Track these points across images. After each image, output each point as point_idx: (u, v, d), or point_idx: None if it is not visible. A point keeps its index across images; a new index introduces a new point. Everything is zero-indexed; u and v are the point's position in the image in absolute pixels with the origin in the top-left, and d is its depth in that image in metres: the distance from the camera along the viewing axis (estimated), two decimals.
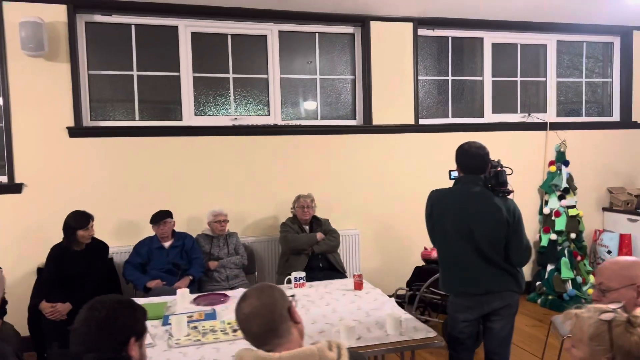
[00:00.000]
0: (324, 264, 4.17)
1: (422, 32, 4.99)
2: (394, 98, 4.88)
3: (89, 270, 3.59)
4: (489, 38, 5.24)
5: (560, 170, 5.22)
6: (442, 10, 4.81)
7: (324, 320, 2.74)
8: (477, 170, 2.60)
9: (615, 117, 5.69)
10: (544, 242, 5.18)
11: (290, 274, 3.97)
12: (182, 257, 3.90)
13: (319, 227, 4.29)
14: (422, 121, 5.03)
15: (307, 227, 4.28)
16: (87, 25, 4.24)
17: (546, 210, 5.25)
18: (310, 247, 4.13)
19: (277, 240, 4.46)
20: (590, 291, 4.89)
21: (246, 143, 4.55)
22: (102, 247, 3.74)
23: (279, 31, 4.67)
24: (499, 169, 2.61)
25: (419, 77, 5.03)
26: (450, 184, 2.78)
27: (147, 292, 3.64)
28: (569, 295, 4.88)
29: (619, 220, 5.38)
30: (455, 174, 3.13)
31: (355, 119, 4.93)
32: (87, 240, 3.60)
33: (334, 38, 4.86)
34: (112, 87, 4.36)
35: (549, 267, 5.11)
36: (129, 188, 4.29)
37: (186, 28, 4.44)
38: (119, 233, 4.23)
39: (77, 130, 4.14)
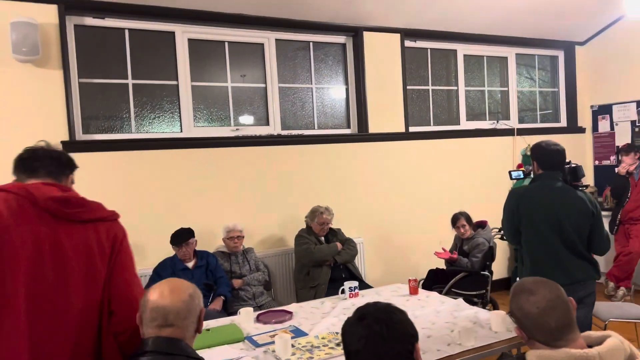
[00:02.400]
0: (345, 274, 4.10)
1: (407, 43, 5.16)
2: (386, 107, 4.98)
3: None
4: (462, 50, 5.56)
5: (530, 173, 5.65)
6: (423, 23, 5.04)
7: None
8: (558, 166, 2.75)
9: (563, 122, 6.31)
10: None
11: (315, 287, 3.90)
12: (207, 277, 3.62)
13: (334, 237, 4.22)
14: (410, 129, 5.18)
15: (322, 239, 4.19)
16: (77, 29, 3.82)
17: None
18: (333, 257, 4.04)
19: (289, 253, 4.32)
20: None
21: (247, 154, 4.36)
22: None
23: (276, 39, 4.57)
24: (574, 165, 2.78)
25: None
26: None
27: None
28: None
29: None
30: (516, 173, 3.29)
31: (349, 127, 4.95)
32: None
33: (327, 48, 4.85)
34: (104, 96, 3.95)
35: None
36: (130, 207, 3.90)
37: (183, 34, 4.17)
38: None
39: (72, 144, 3.69)
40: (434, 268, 4.44)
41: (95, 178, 3.79)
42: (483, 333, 2.51)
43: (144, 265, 3.77)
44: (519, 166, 5.74)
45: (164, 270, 3.55)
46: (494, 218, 4.99)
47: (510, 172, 3.22)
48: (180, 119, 4.19)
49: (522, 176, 3.24)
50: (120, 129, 4.00)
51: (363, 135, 4.85)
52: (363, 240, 4.75)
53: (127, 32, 4.00)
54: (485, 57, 5.76)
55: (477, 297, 4.11)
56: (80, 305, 1.51)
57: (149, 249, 3.88)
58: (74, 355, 1.49)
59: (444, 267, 4.41)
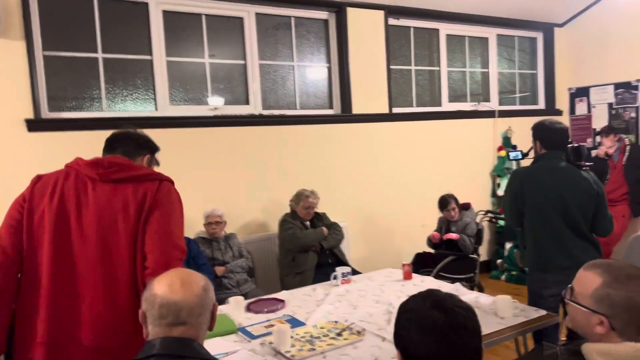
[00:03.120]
0: (332, 260, 3.95)
1: (390, 21, 4.99)
2: (370, 87, 4.81)
3: None
4: (444, 29, 5.43)
5: (509, 154, 5.61)
6: (406, 0, 4.88)
7: None
8: (561, 145, 2.66)
9: (541, 105, 6.30)
10: (501, 222, 5.53)
11: (301, 273, 3.75)
12: (188, 265, 3.40)
13: (320, 222, 4.06)
14: (394, 110, 5.04)
15: (307, 223, 4.02)
16: None
17: (500, 192, 5.61)
18: (319, 243, 3.89)
19: (272, 238, 4.14)
20: None
21: (227, 135, 4.13)
22: None
23: (256, 13, 4.32)
24: (576, 144, 2.69)
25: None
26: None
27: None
28: None
29: None
30: (514, 154, 3.18)
31: (332, 108, 4.77)
32: None
33: (309, 24, 4.63)
34: (72, 71, 3.64)
35: (508, 245, 5.47)
36: None
37: (157, 5, 3.88)
38: None
39: (38, 123, 3.39)
40: (421, 252, 4.35)
41: (62, 159, 3.47)
42: (489, 319, 2.41)
43: None
44: (500, 148, 5.70)
45: None
46: (476, 200, 4.95)
47: (508, 153, 3.13)
48: (154, 96, 3.92)
49: (520, 157, 3.15)
50: (90, 107, 3.71)
51: (347, 116, 4.69)
52: (347, 224, 4.61)
53: (95, 1, 3.68)
54: (467, 38, 5.65)
55: (465, 281, 4.04)
56: (103, 261, 1.67)
57: None
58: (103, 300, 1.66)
59: (431, 251, 4.33)
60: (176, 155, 3.88)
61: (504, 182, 5.62)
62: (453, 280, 3.95)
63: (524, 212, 2.71)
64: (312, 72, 4.67)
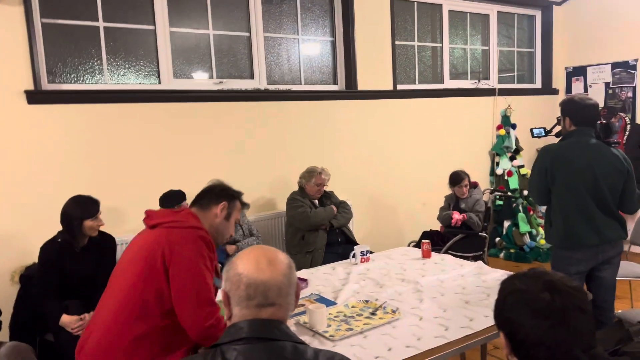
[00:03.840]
0: (341, 238, 3.89)
1: None
2: (375, 62, 4.71)
3: (97, 268, 2.82)
4: (447, 5, 5.34)
5: (509, 133, 5.62)
6: None
7: (450, 293, 2.54)
8: (592, 121, 2.63)
9: (538, 84, 6.30)
10: (500, 201, 5.55)
11: (311, 252, 3.68)
12: None
13: (328, 200, 3.98)
14: (398, 87, 4.95)
15: (316, 201, 3.94)
16: None
17: (499, 171, 5.62)
18: (329, 221, 3.81)
19: (279, 217, 4.06)
20: (543, 241, 5.40)
21: (232, 110, 3.99)
22: (109, 240, 2.98)
23: None
24: (605, 121, 2.66)
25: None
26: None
27: None
28: (529, 246, 5.32)
29: None
30: (537, 130, 3.14)
31: (336, 84, 4.66)
32: (94, 233, 2.82)
33: None
34: (72, 40, 3.44)
35: (506, 224, 5.51)
36: (103, 165, 3.47)
37: None
38: None
39: (37, 95, 3.20)
40: (428, 230, 4.32)
41: (62, 133, 3.33)
42: None
43: (125, 231, 3.40)
44: (499, 127, 5.69)
45: None
46: (475, 179, 4.91)
47: (531, 130, 3.08)
48: (158, 68, 3.74)
49: (543, 133, 3.11)
50: (91, 79, 3.52)
51: (351, 92, 4.58)
52: (352, 202, 4.54)
53: None
54: (468, 14, 5.58)
55: (474, 259, 4.03)
56: (130, 286, 1.85)
57: (129, 212, 3.49)
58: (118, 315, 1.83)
59: (438, 229, 4.30)
60: (180, 130, 3.75)
61: (503, 161, 5.63)
62: (462, 259, 3.95)
63: (552, 189, 2.68)
64: (316, 47, 4.54)
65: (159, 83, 3.75)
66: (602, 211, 2.60)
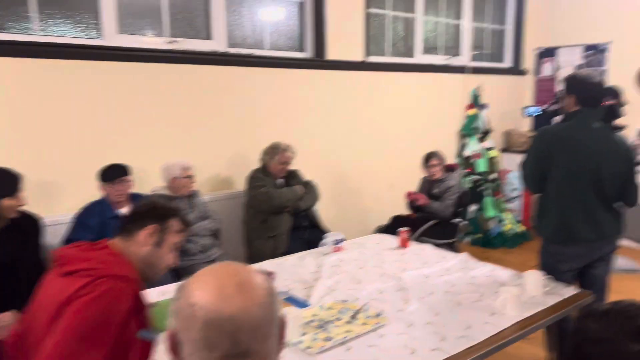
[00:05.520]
0: (306, 222, 3.54)
1: None
2: (345, 30, 4.31)
3: (18, 255, 2.35)
4: None
5: (479, 113, 5.38)
6: None
7: (439, 292, 2.24)
8: (597, 102, 2.35)
9: (508, 63, 6.08)
10: (468, 184, 5.33)
11: (274, 237, 3.31)
12: None
13: (293, 180, 3.60)
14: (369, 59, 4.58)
15: (280, 181, 3.54)
16: None
17: (467, 153, 5.39)
18: (295, 203, 3.44)
19: (236, 197, 3.65)
20: (508, 227, 5.25)
21: (186, 73, 3.50)
22: (33, 222, 2.49)
23: None
24: (612, 102, 2.40)
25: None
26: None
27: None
28: (495, 232, 5.15)
29: (517, 160, 5.83)
30: (533, 109, 2.86)
31: (304, 51, 4.23)
32: (12, 214, 2.33)
33: None
34: None
35: (473, 208, 5.31)
36: (33, 134, 2.94)
37: None
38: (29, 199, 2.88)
39: None
40: (399, 214, 4.03)
41: None
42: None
43: (58, 211, 2.91)
44: (469, 107, 5.44)
45: (90, 217, 2.73)
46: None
47: (526, 108, 2.79)
48: (100, 21, 3.20)
49: (540, 112, 2.82)
50: (17, 28, 2.94)
51: (320, 61, 4.17)
52: (317, 182, 4.17)
53: None
54: None
55: (445, 247, 3.78)
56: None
57: (63, 188, 2.99)
58: None
59: (410, 213, 4.02)
60: (125, 95, 3.25)
61: (472, 142, 5.40)
62: (435, 246, 3.69)
63: (548, 175, 2.41)
64: (283, 7, 4.08)
65: (101, 38, 3.21)
66: (602, 204, 2.36)
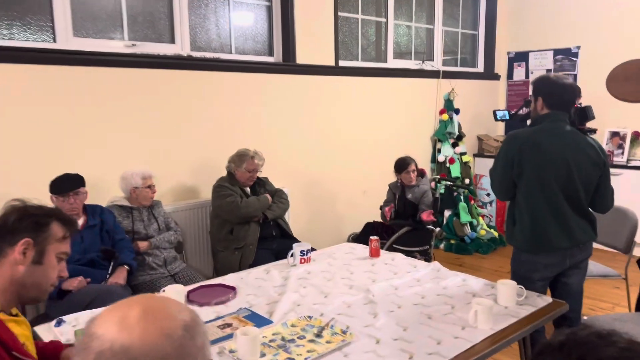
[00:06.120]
0: (276, 232, 3.41)
1: None
2: (315, 34, 4.21)
3: None
4: None
5: (452, 118, 5.34)
6: None
7: (408, 305, 2.13)
8: (569, 105, 2.28)
9: (480, 68, 6.07)
10: (442, 190, 5.27)
11: (241, 248, 3.19)
12: (102, 241, 2.69)
13: (262, 189, 3.47)
14: (340, 63, 4.49)
15: (247, 190, 3.41)
16: None
17: (440, 158, 5.34)
18: (263, 212, 3.31)
19: (202, 207, 3.50)
20: (483, 232, 5.20)
21: (147, 78, 3.35)
22: None
23: None
24: (582, 105, 2.33)
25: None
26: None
27: (63, 298, 2.39)
28: (470, 237, 5.10)
29: (489, 165, 5.80)
30: (501, 113, 2.78)
31: (272, 55, 4.11)
32: None
33: None
34: None
35: (447, 213, 5.25)
36: None
37: None
38: None
39: None
40: (371, 221, 3.93)
41: None
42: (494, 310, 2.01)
43: None
44: (442, 111, 5.39)
45: None
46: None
47: (495, 112, 2.72)
48: (53, 23, 3.03)
49: (507, 117, 2.76)
50: None
51: (289, 65, 4.06)
52: (289, 190, 4.05)
53: None
54: None
55: (420, 253, 3.70)
56: None
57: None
58: None
59: (382, 220, 3.92)
60: (81, 101, 3.08)
61: (445, 147, 5.35)
62: (407, 253, 3.60)
63: (518, 182, 2.33)
64: (250, 11, 3.96)
65: (54, 41, 3.04)
66: (574, 210, 2.29)
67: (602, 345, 0.70)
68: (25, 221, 1.33)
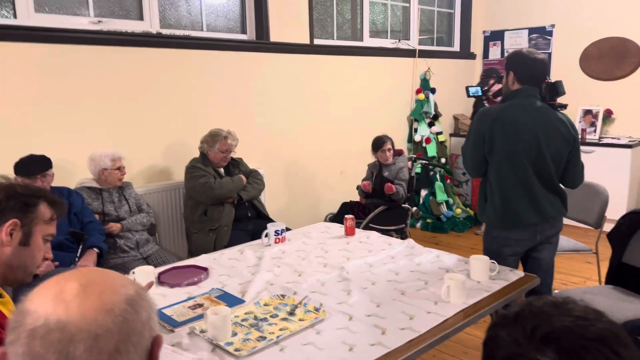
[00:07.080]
0: (251, 213, 3.37)
1: None
2: (289, 11, 4.13)
3: None
4: None
5: (428, 97, 5.33)
6: None
7: (382, 281, 2.13)
8: (540, 80, 2.28)
9: (457, 47, 6.06)
10: (418, 169, 5.28)
11: (216, 229, 3.15)
12: (71, 224, 2.62)
13: (236, 169, 3.42)
14: (315, 41, 4.42)
15: (221, 170, 3.36)
16: None
17: (417, 138, 5.34)
18: (237, 193, 3.26)
19: (176, 188, 3.44)
20: (459, 211, 5.24)
21: (114, 56, 3.24)
22: None
23: None
24: (551, 80, 2.33)
25: None
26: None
27: (33, 280, 2.33)
28: (446, 216, 5.13)
29: None
30: (474, 89, 2.77)
31: (245, 33, 4.03)
32: None
33: None
34: None
35: (423, 192, 5.27)
36: None
37: None
38: None
39: None
40: (348, 201, 3.91)
41: None
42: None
43: None
44: (418, 91, 5.38)
45: None
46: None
47: (467, 88, 2.70)
48: None
49: (479, 93, 2.74)
50: None
51: (262, 43, 3.98)
52: (263, 171, 4.00)
53: None
54: None
55: (396, 232, 3.70)
56: None
57: None
58: None
59: (358, 199, 3.91)
60: (44, 80, 2.97)
61: (421, 127, 5.35)
62: (383, 232, 3.60)
63: (489, 158, 2.32)
64: None
65: (14, 17, 2.92)
66: (544, 185, 2.30)
67: (557, 315, 0.69)
68: (13, 201, 1.29)
